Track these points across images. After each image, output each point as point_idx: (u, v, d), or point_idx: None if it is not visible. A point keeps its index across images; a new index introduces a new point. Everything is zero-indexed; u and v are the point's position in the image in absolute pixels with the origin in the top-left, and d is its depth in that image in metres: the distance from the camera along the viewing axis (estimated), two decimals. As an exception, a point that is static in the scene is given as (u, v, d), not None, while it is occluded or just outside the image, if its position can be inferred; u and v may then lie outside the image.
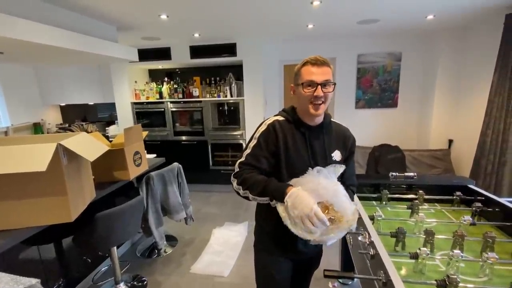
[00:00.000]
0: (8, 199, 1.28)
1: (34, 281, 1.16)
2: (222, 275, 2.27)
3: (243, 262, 2.45)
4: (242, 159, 1.12)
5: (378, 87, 3.93)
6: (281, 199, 0.98)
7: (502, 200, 1.47)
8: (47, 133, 4.35)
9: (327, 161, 1.13)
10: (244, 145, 1.17)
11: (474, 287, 0.98)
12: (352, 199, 1.17)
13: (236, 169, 1.11)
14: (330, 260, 2.29)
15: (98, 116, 4.78)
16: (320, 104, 1.06)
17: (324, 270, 1.04)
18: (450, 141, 3.65)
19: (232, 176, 1.12)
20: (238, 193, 1.10)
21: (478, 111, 3.11)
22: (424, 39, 3.73)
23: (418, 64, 3.83)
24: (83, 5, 2.16)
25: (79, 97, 4.34)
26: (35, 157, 1.19)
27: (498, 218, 1.42)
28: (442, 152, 3.55)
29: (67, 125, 4.58)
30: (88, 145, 1.44)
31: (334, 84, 1.08)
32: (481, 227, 1.37)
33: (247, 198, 1.09)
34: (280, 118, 1.16)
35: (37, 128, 4.22)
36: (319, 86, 1.04)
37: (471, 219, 1.33)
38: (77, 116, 4.74)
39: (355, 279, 2.08)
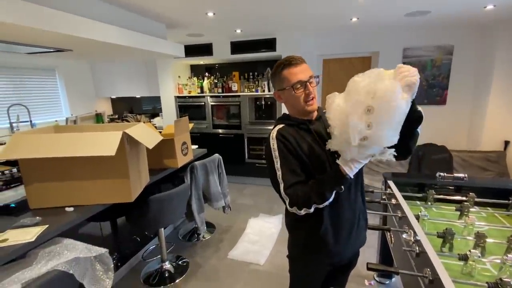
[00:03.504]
0: (82, 179, 1.48)
1: (103, 250, 1.34)
2: (258, 263, 2.37)
3: (277, 253, 2.53)
4: (283, 184, 1.02)
5: (425, 83, 3.70)
6: (342, 178, 0.93)
7: None
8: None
9: None
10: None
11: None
12: None
13: (286, 198, 1.01)
14: (367, 259, 2.27)
15: (143, 108, 5.14)
16: (313, 99, 1.07)
17: (368, 263, 1.07)
18: (506, 143, 3.34)
19: (290, 208, 1.01)
20: (308, 211, 1.00)
21: (542, 111, 2.80)
22: (480, 31, 3.43)
23: (471, 59, 3.53)
24: (139, 5, 2.34)
25: (127, 90, 4.71)
26: (105, 143, 1.36)
27: (562, 227, 1.31)
28: (496, 154, 3.27)
29: (116, 116, 5.00)
30: (146, 134, 1.60)
31: (317, 76, 1.09)
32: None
33: (318, 206, 1.00)
34: (281, 126, 1.11)
35: (98, 117, 4.73)
36: (308, 84, 1.04)
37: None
38: (125, 108, 5.14)
39: (393, 279, 2.06)
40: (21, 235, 1.24)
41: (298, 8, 2.56)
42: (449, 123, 3.77)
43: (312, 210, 0.99)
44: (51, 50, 2.55)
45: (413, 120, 0.91)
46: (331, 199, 0.98)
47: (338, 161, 0.94)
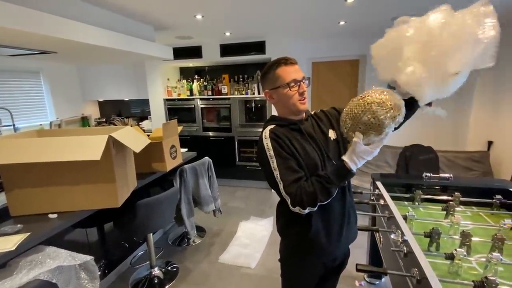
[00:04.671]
0: (65, 184, 1.43)
1: (88, 257, 1.30)
2: (249, 266, 2.35)
3: (268, 255, 2.52)
4: (282, 184, 0.99)
5: (411, 85, 3.78)
6: (347, 173, 0.93)
7: (548, 206, 1.39)
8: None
9: (328, 144, 1.11)
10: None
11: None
12: None
13: (287, 198, 0.98)
14: (357, 260, 2.29)
15: (131, 111, 5.05)
16: (305, 98, 1.09)
17: (357, 264, 1.07)
18: (490, 143, 3.44)
19: (292, 207, 0.98)
20: (312, 209, 0.98)
21: (522, 112, 2.91)
22: (463, 34, 3.53)
23: (455, 61, 3.63)
24: (126, 7, 2.31)
25: (115, 93, 4.63)
26: (90, 147, 1.33)
27: (543, 224, 1.35)
28: (480, 154, 3.36)
29: (104, 119, 4.90)
30: (133, 137, 1.57)
31: (309, 78, 1.11)
32: (523, 232, 1.32)
33: (322, 203, 0.98)
34: (272, 126, 1.10)
35: (84, 121, 4.63)
36: (301, 83, 1.06)
37: (511, 223, 1.28)
38: (113, 111, 5.05)
39: (383, 280, 2.08)
40: (1, 243, 1.18)
41: (286, 12, 2.58)
42: (435, 124, 3.86)
43: (316, 208, 0.97)
44: (35, 52, 2.48)
45: None
46: (334, 195, 0.98)
47: (343, 157, 0.94)
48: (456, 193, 1.61)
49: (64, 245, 1.32)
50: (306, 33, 3.61)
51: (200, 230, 2.96)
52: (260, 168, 1.10)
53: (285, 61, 1.07)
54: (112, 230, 2.28)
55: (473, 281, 0.92)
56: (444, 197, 1.68)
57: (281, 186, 0.99)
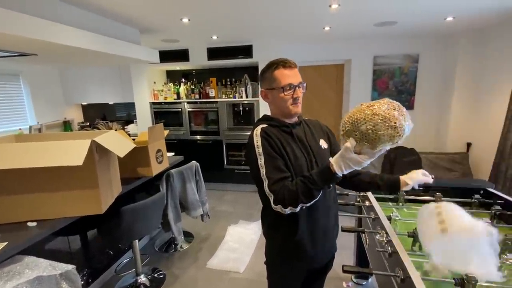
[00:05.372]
0: (46, 191, 1.38)
1: (70, 266, 1.26)
2: (237, 271, 2.33)
3: (257, 259, 2.51)
4: (267, 181, 0.99)
5: (394, 89, 3.90)
6: (331, 177, 0.92)
7: (523, 204, 1.46)
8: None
9: (318, 151, 1.13)
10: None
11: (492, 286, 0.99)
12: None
13: (271, 195, 0.98)
14: (344, 261, 2.31)
15: (116, 115, 4.94)
16: (299, 102, 1.10)
17: (343, 265, 1.08)
18: (469, 145, 3.58)
19: (274, 206, 0.98)
20: (294, 210, 0.98)
21: (498, 114, 3.04)
22: (443, 40, 3.68)
23: (435, 66, 3.78)
24: (111, 10, 2.27)
25: (99, 96, 4.52)
26: (72, 152, 1.29)
27: (518, 222, 1.41)
28: (460, 155, 3.49)
29: (87, 123, 4.77)
30: (117, 142, 1.54)
31: (305, 84, 1.13)
32: (500, 230, 1.37)
33: (303, 206, 0.98)
34: (264, 125, 1.11)
35: (66, 125, 4.49)
36: (297, 88, 1.08)
37: (490, 221, 1.33)
38: (97, 115, 4.92)
39: (370, 280, 2.11)
40: (-25, 254, 1.13)
41: (272, 16, 2.61)
42: (417, 127, 3.95)
43: (298, 209, 0.97)
44: (14, 55, 2.40)
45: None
46: (317, 198, 0.97)
47: (330, 159, 0.93)
48: (437, 193, 1.65)
49: (45, 254, 1.27)
50: (292, 38, 3.66)
51: (188, 235, 2.92)
52: (248, 171, 1.10)
53: (284, 64, 1.08)
54: (96, 237, 2.21)
55: (454, 278, 0.95)
56: (427, 198, 1.73)
57: (265, 183, 0.99)
